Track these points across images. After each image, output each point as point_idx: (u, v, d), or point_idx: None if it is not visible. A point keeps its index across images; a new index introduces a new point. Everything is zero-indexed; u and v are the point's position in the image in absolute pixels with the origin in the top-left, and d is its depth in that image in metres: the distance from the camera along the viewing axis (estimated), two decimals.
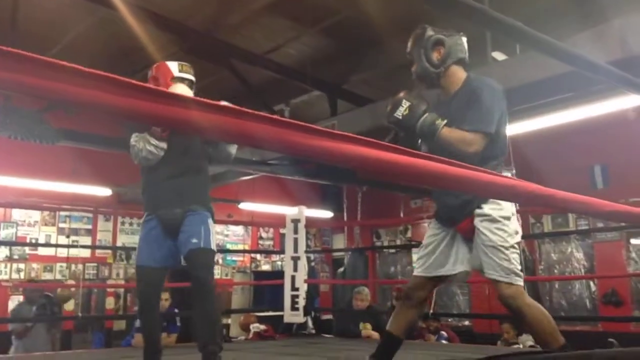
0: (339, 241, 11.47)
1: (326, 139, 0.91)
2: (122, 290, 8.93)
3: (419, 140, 2.45)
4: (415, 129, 2.29)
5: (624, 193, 6.13)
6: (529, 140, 6.24)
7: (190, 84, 2.85)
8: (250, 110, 0.82)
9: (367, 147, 0.95)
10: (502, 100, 2.35)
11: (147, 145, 2.69)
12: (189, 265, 2.76)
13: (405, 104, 2.33)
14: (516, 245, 2.23)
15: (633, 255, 7.80)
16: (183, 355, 3.89)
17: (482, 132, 2.25)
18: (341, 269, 9.49)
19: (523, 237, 6.07)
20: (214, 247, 2.80)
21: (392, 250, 10.86)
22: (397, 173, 1.01)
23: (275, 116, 0.85)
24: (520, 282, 2.21)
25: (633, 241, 7.79)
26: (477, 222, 2.26)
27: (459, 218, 2.33)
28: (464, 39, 2.48)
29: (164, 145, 2.70)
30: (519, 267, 2.22)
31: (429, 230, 2.49)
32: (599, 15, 4.36)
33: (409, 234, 10.40)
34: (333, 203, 10.37)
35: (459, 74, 2.44)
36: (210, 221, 2.84)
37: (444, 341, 6.10)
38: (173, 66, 2.86)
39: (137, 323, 4.97)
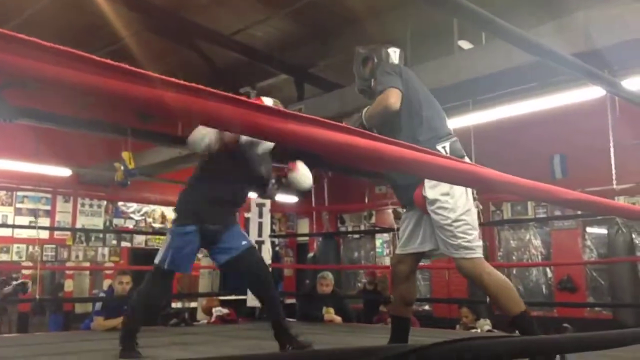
0: (304, 226, 11.49)
1: (293, 122, 0.90)
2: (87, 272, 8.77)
3: None
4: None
5: (582, 183, 6.30)
6: (491, 130, 6.35)
7: None
8: (216, 91, 0.81)
9: (334, 130, 0.95)
10: (395, 68, 2.55)
11: (207, 137, 2.80)
12: (245, 263, 2.99)
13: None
14: (461, 219, 2.26)
15: (588, 243, 8.05)
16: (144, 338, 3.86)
17: (385, 88, 2.41)
18: (310, 254, 9.53)
19: (483, 224, 6.18)
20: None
21: (356, 236, 10.95)
22: (365, 157, 1.02)
23: (241, 97, 0.84)
24: (473, 254, 2.26)
25: (589, 230, 8.04)
26: (426, 204, 2.34)
27: (410, 198, 2.42)
28: (392, 49, 2.74)
29: (213, 148, 2.84)
30: (469, 239, 2.26)
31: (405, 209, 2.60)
32: (563, 7, 4.43)
33: (373, 220, 10.49)
34: None
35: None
36: None
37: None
38: (267, 101, 2.92)
39: (98, 306, 4.90)
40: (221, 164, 2.89)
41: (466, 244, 2.25)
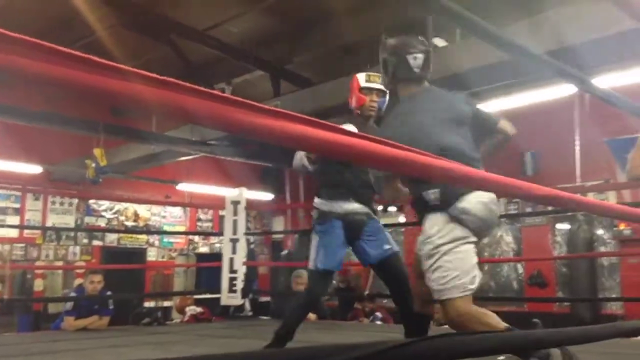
0: (279, 223, 11.47)
1: (269, 117, 0.89)
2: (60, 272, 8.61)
3: None
4: None
5: (552, 180, 6.42)
6: None
7: (380, 93, 2.94)
8: (190, 85, 0.80)
9: (310, 126, 0.94)
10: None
11: (300, 160, 2.92)
12: (387, 270, 2.87)
13: None
14: (437, 256, 2.09)
15: (558, 239, 8.20)
16: (116, 337, 3.81)
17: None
18: (284, 252, 9.51)
19: None
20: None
21: None
22: (340, 153, 1.01)
23: (216, 92, 0.83)
24: (452, 295, 2.06)
25: (558, 226, 8.19)
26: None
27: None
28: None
29: (311, 168, 2.90)
30: (450, 277, 2.06)
31: None
32: (535, 6, 4.49)
33: None
34: (274, 185, 10.34)
35: (408, 91, 2.47)
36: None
37: (378, 322, 6.23)
38: (361, 77, 2.95)
39: (68, 306, 4.82)
40: (332, 168, 2.93)
41: (443, 285, 2.08)
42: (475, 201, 2.09)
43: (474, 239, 2.13)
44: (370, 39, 5.87)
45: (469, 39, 4.40)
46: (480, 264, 2.45)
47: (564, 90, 4.69)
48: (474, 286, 2.07)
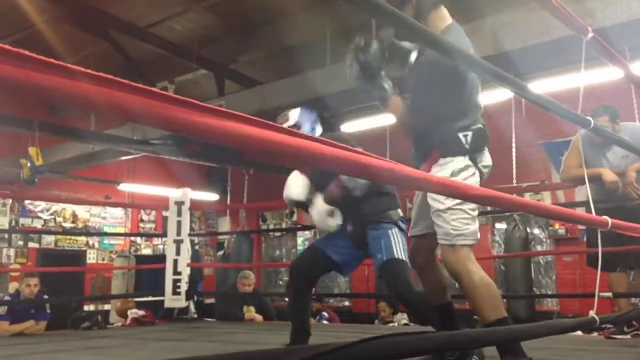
0: (225, 224, 11.36)
1: (211, 116, 0.88)
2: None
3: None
4: None
5: (490, 181, 6.63)
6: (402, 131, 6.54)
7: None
8: (129, 82, 0.78)
9: (254, 126, 0.94)
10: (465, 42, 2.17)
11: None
12: (385, 280, 2.79)
13: None
14: (456, 207, 2.04)
15: (497, 238, 8.49)
16: (54, 342, 3.67)
17: None
18: (221, 252, 9.41)
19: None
20: (399, 255, 2.74)
21: (278, 234, 10.94)
22: (284, 154, 1.01)
23: (156, 89, 0.81)
24: (462, 243, 2.05)
25: (497, 225, 8.48)
26: None
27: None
28: None
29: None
30: (463, 229, 2.05)
31: None
32: (473, 11, 4.62)
33: (294, 218, 10.53)
34: (219, 185, 10.22)
35: (438, 23, 2.17)
36: (391, 232, 2.80)
37: (324, 321, 6.28)
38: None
39: (2, 310, 4.62)
40: None
41: (458, 232, 2.06)
42: None
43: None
44: (315, 40, 5.93)
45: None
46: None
47: (501, 94, 4.86)
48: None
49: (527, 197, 6.45)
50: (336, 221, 2.83)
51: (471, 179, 2.08)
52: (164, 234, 5.89)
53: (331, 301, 9.44)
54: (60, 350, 3.43)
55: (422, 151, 2.21)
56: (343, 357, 1.00)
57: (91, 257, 9.69)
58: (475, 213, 2.10)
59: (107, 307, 8.13)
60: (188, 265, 5.28)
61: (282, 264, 10.85)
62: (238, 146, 0.98)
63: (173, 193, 5.62)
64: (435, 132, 2.14)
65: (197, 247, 9.82)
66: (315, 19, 5.81)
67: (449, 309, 2.41)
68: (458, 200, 2.01)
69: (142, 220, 10.57)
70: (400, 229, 2.83)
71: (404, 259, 2.73)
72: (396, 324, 5.92)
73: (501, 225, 8.44)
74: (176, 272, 5.22)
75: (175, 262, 5.25)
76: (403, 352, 1.14)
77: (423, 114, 2.14)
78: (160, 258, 6.51)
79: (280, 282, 10.65)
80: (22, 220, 8.89)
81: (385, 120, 5.96)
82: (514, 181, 5.43)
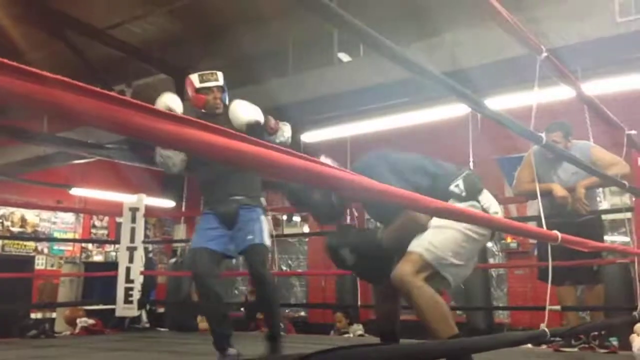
0: (180, 231, 11.17)
1: (169, 122, 0.86)
2: None
3: None
4: None
5: None
6: (367, 141, 6.60)
7: (219, 88, 3.01)
8: (82, 84, 0.75)
9: (208, 132, 0.92)
10: None
11: (160, 153, 2.93)
12: (247, 260, 2.94)
13: None
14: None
15: None
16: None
17: None
18: (173, 260, 9.23)
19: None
20: (267, 242, 2.95)
21: None
22: (243, 162, 1.00)
23: (111, 93, 0.79)
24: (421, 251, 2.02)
25: None
26: None
27: None
28: None
29: (168, 153, 2.91)
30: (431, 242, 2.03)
31: None
32: (433, 27, 4.72)
33: None
34: (175, 192, 10.04)
35: None
36: (262, 218, 2.98)
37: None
38: (194, 78, 3.01)
39: None
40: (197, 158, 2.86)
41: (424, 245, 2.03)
42: None
43: None
44: (277, 48, 5.92)
45: (372, 55, 4.54)
46: None
47: (458, 109, 4.96)
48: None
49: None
50: None
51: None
52: (116, 241, 5.75)
53: (287, 311, 9.38)
54: (5, 359, 3.29)
55: None
56: None
57: (40, 263, 9.37)
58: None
59: (54, 315, 7.86)
60: (141, 273, 5.17)
61: (238, 273, 10.74)
62: (192, 152, 0.97)
63: (127, 199, 5.50)
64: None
65: (151, 254, 9.62)
66: (278, 29, 5.81)
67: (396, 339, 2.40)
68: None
69: (94, 227, 10.30)
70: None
71: (269, 245, 2.97)
72: (352, 335, 5.93)
73: None
74: (129, 280, 5.10)
75: (128, 269, 5.13)
76: None
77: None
78: (112, 265, 6.35)
79: (236, 292, 10.54)
80: None
81: (346, 131, 6.00)
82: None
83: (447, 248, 2.03)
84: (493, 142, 6.42)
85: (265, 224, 2.97)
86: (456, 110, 5.02)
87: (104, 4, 5.74)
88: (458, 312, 8.18)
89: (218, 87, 3.01)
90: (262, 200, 3.06)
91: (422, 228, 2.07)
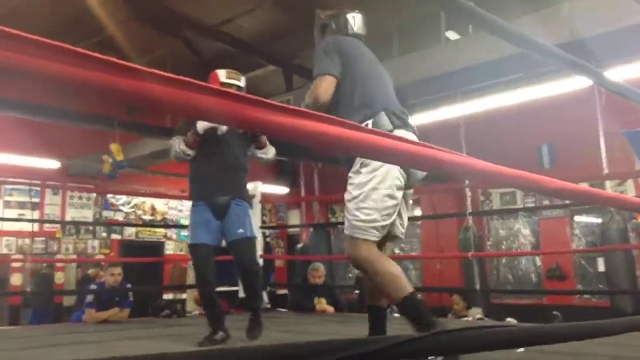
0: (294, 217, 11.50)
1: (279, 114, 0.91)
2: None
3: None
4: None
5: (571, 172, 6.35)
6: (478, 121, 6.39)
7: (239, 89, 3.25)
8: (201, 83, 0.81)
9: (321, 122, 0.95)
10: (334, 47, 2.36)
11: (178, 147, 3.19)
12: (236, 252, 3.28)
13: None
14: (361, 196, 2.13)
15: (577, 232, 8.14)
16: (136, 329, 3.87)
17: (317, 75, 2.30)
18: (300, 245, 9.54)
19: (472, 213, 6.20)
20: (256, 235, 3.35)
21: None
22: (347, 148, 1.03)
23: (227, 89, 0.85)
24: (361, 237, 2.12)
25: (577, 218, 8.12)
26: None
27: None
28: (353, 15, 2.55)
29: (190, 152, 3.20)
30: (364, 219, 2.12)
31: None
32: None
33: None
34: (289, 178, 10.36)
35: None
36: (250, 212, 3.38)
37: (395, 314, 6.23)
38: (221, 73, 3.33)
39: (89, 298, 4.90)
40: (200, 152, 3.24)
41: (358, 223, 2.12)
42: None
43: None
44: (381, 32, 5.87)
45: (482, 32, 4.37)
46: None
47: (581, 81, 4.65)
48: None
49: (609, 188, 6.11)
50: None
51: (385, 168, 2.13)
52: None
53: None
54: (142, 337, 3.60)
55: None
56: (416, 348, 1.00)
57: (169, 248, 10.09)
58: (384, 205, 2.12)
59: (184, 296, 8.44)
60: (261, 256, 5.40)
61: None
62: (305, 142, 1.01)
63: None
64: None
65: (268, 239, 10.02)
66: (383, 12, 5.76)
67: (380, 313, 2.46)
68: (364, 191, 2.11)
69: None
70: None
71: (256, 237, 3.36)
72: (470, 318, 5.80)
73: (581, 218, 8.08)
74: None
75: None
76: (477, 345, 1.13)
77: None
78: None
79: (350, 275, 10.69)
80: (105, 213, 9.37)
81: (458, 110, 5.83)
82: (605, 170, 5.15)
83: (372, 214, 2.12)
84: (618, 115, 5.95)
85: (253, 218, 3.37)
86: (579, 82, 4.71)
87: (215, 2, 6.02)
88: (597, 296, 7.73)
89: (239, 87, 3.29)
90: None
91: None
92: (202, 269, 3.24)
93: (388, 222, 2.16)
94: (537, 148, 8.02)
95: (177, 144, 3.20)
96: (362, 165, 2.14)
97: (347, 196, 2.17)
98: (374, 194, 2.11)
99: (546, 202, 7.70)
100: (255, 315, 3.32)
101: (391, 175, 2.13)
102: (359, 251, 2.13)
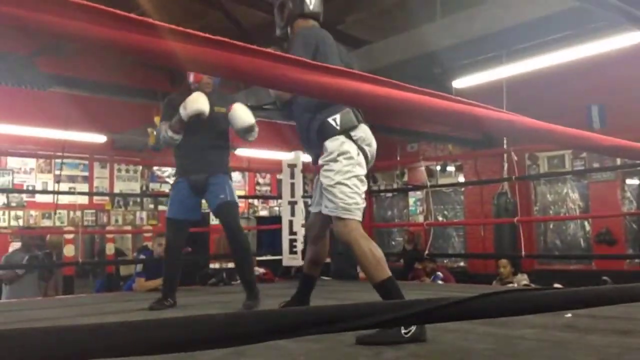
0: None
1: (321, 74, 0.89)
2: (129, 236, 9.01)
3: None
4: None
5: (622, 132, 6.10)
6: (524, 82, 6.18)
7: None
8: (241, 43, 0.80)
9: (363, 81, 0.93)
10: (313, 40, 2.47)
11: (165, 132, 3.40)
12: (220, 216, 3.48)
13: None
14: (344, 182, 2.35)
15: (628, 194, 7.87)
16: (184, 297, 3.97)
17: None
18: None
19: (518, 178, 6.07)
20: (237, 200, 3.52)
21: (389, 194, 10.93)
22: (393, 108, 1.00)
23: (267, 50, 0.83)
24: (349, 216, 2.33)
25: (628, 181, 7.84)
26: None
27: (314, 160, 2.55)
28: None
29: (177, 137, 3.40)
30: (349, 202, 2.33)
31: None
32: None
33: (405, 178, 10.44)
34: None
35: (297, 28, 2.65)
36: (230, 182, 3.55)
37: (439, 281, 6.22)
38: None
39: (139, 267, 5.06)
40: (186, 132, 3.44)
41: (344, 205, 2.33)
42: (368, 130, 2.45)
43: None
44: None
45: None
46: None
47: (632, 38, 4.42)
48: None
49: None
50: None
51: (353, 151, 2.38)
52: (279, 196, 6.09)
53: (445, 261, 9.32)
54: (190, 304, 3.70)
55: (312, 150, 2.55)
56: (461, 311, 0.99)
57: (214, 219, 10.27)
58: (361, 189, 2.39)
59: (230, 265, 8.62)
60: (303, 225, 5.44)
61: (394, 224, 10.86)
62: (347, 103, 0.98)
63: (286, 156, 5.78)
64: (312, 125, 2.46)
65: (310, 208, 10.07)
66: None
67: (311, 281, 2.80)
68: (346, 176, 2.34)
69: (258, 184, 11.00)
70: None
71: (238, 202, 3.54)
72: (516, 285, 5.72)
73: (633, 181, 7.80)
74: (292, 232, 5.41)
75: (291, 222, 5.44)
76: (522, 307, 1.11)
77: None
78: (277, 219, 6.76)
79: (393, 243, 10.69)
80: (151, 185, 9.60)
81: (501, 73, 5.67)
82: None
83: (354, 197, 2.36)
84: None
85: (233, 186, 3.53)
86: (630, 39, 4.48)
87: None
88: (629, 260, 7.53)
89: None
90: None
91: None
92: (171, 242, 3.56)
93: (364, 203, 2.42)
94: (587, 109, 7.72)
95: (164, 130, 3.40)
96: (340, 154, 2.36)
97: (328, 182, 2.37)
98: (354, 179, 2.37)
99: (596, 165, 7.45)
100: (250, 290, 3.45)
101: (362, 163, 2.41)
102: (349, 230, 2.33)
